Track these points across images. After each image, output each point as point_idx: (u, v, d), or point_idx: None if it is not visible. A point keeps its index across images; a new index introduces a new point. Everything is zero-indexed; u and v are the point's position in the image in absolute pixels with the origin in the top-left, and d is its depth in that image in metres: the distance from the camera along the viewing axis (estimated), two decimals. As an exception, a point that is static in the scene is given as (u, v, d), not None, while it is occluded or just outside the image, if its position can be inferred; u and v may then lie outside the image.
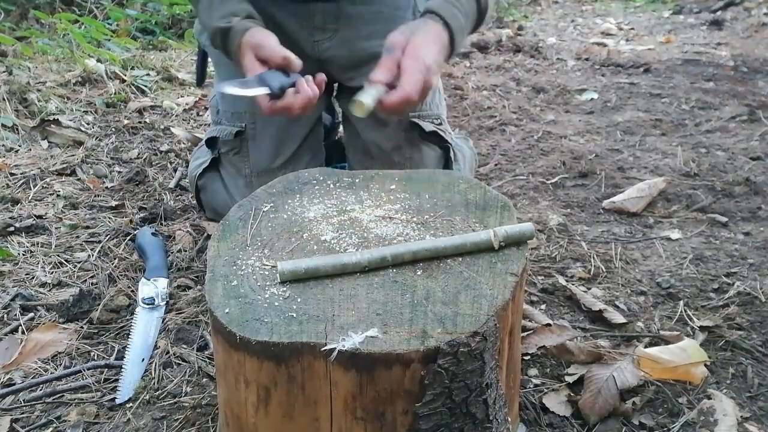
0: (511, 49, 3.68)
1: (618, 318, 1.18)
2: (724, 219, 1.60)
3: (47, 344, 1.11)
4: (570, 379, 1.03)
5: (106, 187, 1.72)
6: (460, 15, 1.16)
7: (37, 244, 1.41)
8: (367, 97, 1.01)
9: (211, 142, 1.48)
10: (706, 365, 1.06)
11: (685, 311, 1.22)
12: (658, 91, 2.82)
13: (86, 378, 1.04)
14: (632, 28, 4.65)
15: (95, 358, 1.09)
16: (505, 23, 4.76)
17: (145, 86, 2.54)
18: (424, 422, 0.66)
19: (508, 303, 0.72)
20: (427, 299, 0.70)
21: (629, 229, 1.57)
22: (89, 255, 1.38)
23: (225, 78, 1.47)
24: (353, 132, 1.48)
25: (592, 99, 2.75)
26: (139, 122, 2.21)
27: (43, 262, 1.34)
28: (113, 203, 1.62)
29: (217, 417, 0.93)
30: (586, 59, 3.50)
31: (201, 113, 2.41)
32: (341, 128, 1.61)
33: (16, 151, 1.89)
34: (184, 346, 1.11)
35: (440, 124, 1.47)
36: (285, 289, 0.72)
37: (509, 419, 0.78)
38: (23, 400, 1.00)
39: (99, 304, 1.20)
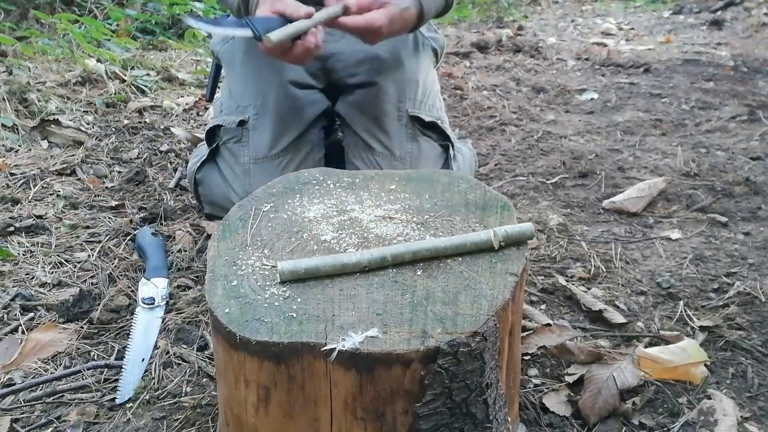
0: (511, 49, 3.69)
1: (618, 318, 1.18)
2: (724, 219, 1.60)
3: (47, 344, 1.11)
4: (570, 379, 1.03)
5: (106, 187, 1.72)
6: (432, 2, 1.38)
7: (37, 244, 1.41)
8: (277, 33, 1.11)
9: (212, 135, 1.50)
10: (706, 365, 1.06)
11: (685, 311, 1.22)
12: (658, 91, 2.81)
13: (86, 378, 1.04)
14: (632, 28, 4.65)
15: (95, 358, 1.09)
16: (505, 23, 4.77)
17: (145, 86, 2.54)
18: (424, 422, 0.66)
19: (508, 303, 0.72)
20: (427, 299, 0.70)
21: (629, 229, 1.57)
22: (89, 255, 1.38)
23: (234, 85, 1.50)
24: (351, 132, 1.50)
25: (592, 99, 2.75)
26: (139, 122, 2.21)
27: (43, 262, 1.34)
28: (113, 203, 1.62)
29: (217, 417, 0.93)
30: (586, 59, 3.50)
31: (201, 113, 2.41)
32: (340, 132, 1.63)
33: (16, 151, 1.89)
34: (184, 346, 1.11)
35: (441, 122, 1.51)
36: (285, 289, 0.72)
37: (509, 419, 0.78)
38: (23, 400, 1.00)
39: (99, 304, 1.20)
